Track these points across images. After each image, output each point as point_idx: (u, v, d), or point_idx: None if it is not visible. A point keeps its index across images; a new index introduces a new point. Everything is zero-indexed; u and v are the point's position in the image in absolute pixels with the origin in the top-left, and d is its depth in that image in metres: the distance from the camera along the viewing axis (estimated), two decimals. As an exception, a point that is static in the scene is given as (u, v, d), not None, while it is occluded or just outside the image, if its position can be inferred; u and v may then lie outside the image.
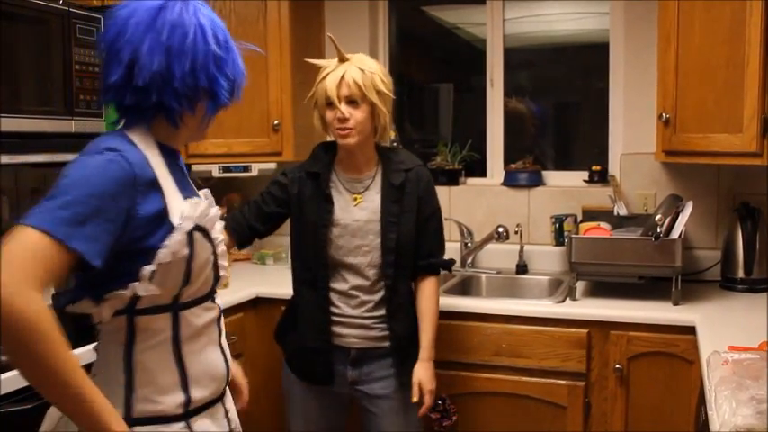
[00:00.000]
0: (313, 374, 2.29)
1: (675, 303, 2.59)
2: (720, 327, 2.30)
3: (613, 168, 3.22)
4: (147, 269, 1.34)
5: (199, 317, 1.46)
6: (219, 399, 1.53)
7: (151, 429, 1.38)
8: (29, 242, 1.18)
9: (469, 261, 3.26)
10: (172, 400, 1.40)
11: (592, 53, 3.40)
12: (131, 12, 1.36)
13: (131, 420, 1.36)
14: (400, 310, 2.27)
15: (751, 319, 2.38)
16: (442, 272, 2.40)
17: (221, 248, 1.51)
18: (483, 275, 3.23)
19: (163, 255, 1.35)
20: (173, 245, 1.36)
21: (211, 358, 1.49)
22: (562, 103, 3.65)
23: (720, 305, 2.63)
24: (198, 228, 1.41)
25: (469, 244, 3.25)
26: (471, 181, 3.45)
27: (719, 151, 2.56)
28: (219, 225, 1.52)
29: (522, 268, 3.20)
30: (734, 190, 2.98)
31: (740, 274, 2.82)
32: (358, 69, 2.15)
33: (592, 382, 2.58)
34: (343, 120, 2.15)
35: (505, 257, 3.23)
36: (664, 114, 2.70)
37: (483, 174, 3.46)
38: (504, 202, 3.31)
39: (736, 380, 1.59)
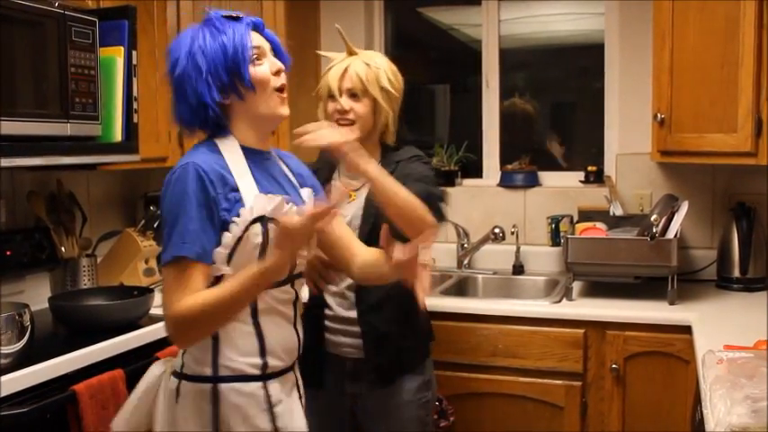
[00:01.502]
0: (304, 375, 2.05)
1: (671, 303, 2.59)
2: (716, 326, 2.31)
3: (609, 168, 3.23)
4: (222, 252, 1.54)
5: (276, 298, 1.65)
6: (291, 369, 1.73)
7: (233, 385, 1.60)
8: (168, 274, 1.55)
9: (466, 262, 3.26)
10: (250, 362, 1.62)
11: (587, 54, 3.41)
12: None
13: (217, 378, 1.59)
14: (376, 307, 2.14)
15: (747, 319, 2.38)
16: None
17: None
18: (479, 276, 3.24)
19: (228, 238, 1.54)
20: (236, 231, 1.55)
21: (286, 334, 1.69)
22: (558, 104, 3.65)
23: (716, 304, 2.63)
24: (272, 220, 1.57)
25: (466, 245, 3.26)
26: (467, 182, 3.45)
27: (714, 151, 2.57)
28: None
29: (518, 269, 3.20)
30: (729, 189, 2.99)
31: (736, 273, 2.83)
32: (363, 63, 2.14)
33: (588, 382, 2.58)
34: (343, 111, 2.14)
35: (502, 258, 3.24)
36: (659, 115, 2.70)
37: (479, 175, 3.47)
38: (500, 202, 3.31)
39: (731, 379, 1.60)
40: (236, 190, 1.57)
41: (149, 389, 1.69)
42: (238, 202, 1.57)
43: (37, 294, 2.48)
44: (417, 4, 3.66)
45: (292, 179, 1.78)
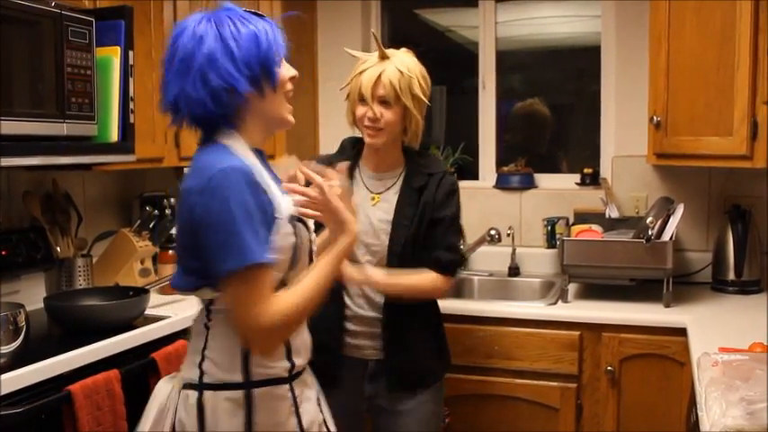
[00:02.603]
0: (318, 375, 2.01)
1: (667, 305, 2.60)
2: (711, 328, 2.32)
3: (605, 171, 3.23)
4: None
5: None
6: (308, 364, 1.74)
7: (266, 389, 1.58)
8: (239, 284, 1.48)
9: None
10: (281, 366, 1.61)
11: (584, 56, 3.41)
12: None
13: (250, 383, 1.57)
14: (403, 309, 2.16)
15: (742, 321, 2.39)
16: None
17: (314, 236, 1.69)
18: (475, 278, 3.24)
19: (275, 245, 1.51)
20: (283, 235, 1.54)
21: (305, 333, 1.70)
22: (554, 106, 3.65)
23: (711, 307, 2.64)
24: (297, 218, 1.60)
25: (462, 246, 3.26)
26: (463, 184, 3.41)
27: (710, 154, 2.58)
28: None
29: (514, 270, 3.21)
30: (725, 192, 3.00)
31: (731, 276, 2.84)
32: (397, 70, 2.10)
33: (584, 384, 2.59)
34: (374, 119, 2.11)
35: (498, 260, 3.24)
36: (655, 117, 2.71)
37: (475, 177, 3.47)
38: (496, 204, 3.32)
39: (725, 381, 1.60)
40: (266, 192, 1.53)
41: (163, 409, 1.62)
42: (270, 203, 1.53)
43: (32, 294, 2.48)
44: (414, 5, 3.66)
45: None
